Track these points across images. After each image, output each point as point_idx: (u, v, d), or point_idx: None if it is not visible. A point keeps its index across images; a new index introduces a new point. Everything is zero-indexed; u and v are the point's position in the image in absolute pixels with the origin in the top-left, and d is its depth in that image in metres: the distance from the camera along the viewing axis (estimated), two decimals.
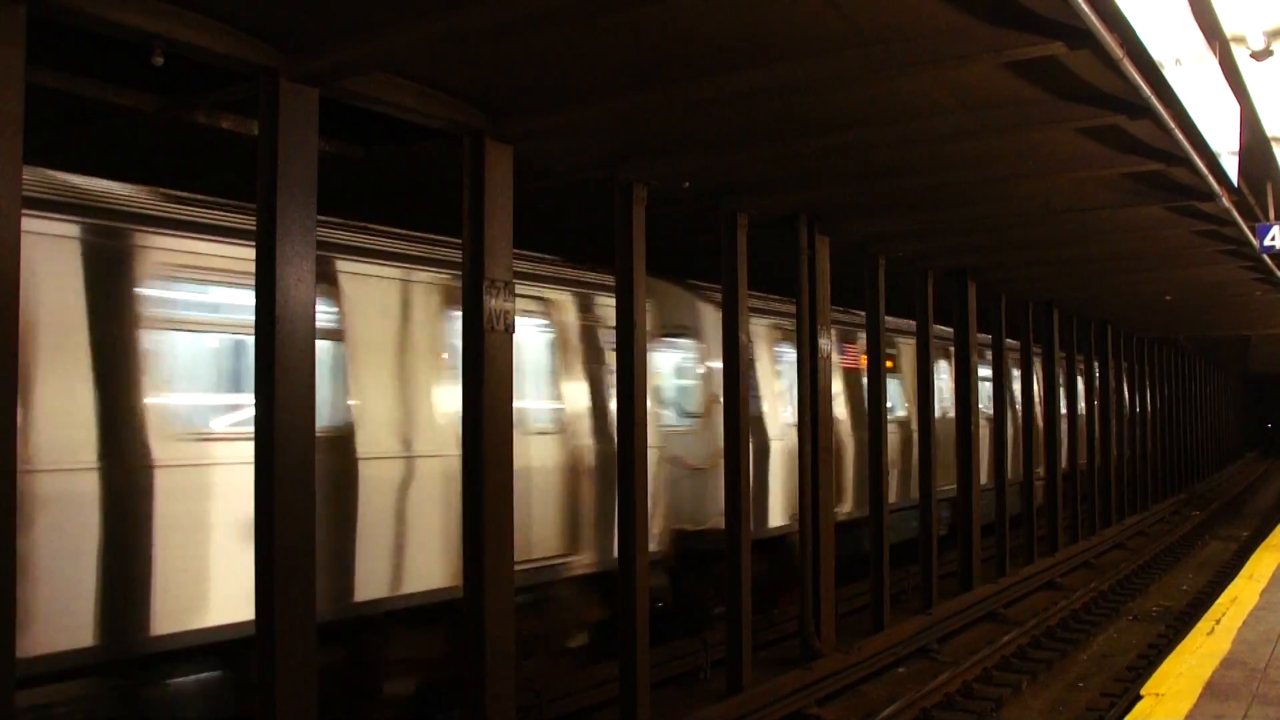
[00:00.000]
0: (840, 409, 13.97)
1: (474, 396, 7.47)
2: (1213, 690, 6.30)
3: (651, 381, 9.90)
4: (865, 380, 14.00)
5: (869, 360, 13.61)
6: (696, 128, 8.36)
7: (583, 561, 9.77)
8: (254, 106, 6.33)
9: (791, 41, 6.51)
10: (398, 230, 8.80)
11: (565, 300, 9.99)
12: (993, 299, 17.31)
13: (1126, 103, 7.25)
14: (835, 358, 13.00)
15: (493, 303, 7.44)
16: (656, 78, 7.05)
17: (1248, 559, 12.76)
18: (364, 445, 7.84)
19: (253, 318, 6.19)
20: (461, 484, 7.63)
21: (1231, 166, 8.24)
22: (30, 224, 5.34)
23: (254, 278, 6.18)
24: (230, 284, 7.11)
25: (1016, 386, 19.82)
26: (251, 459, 6.19)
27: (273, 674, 6.01)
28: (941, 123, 8.01)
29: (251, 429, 6.23)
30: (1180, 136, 7.64)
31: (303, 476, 6.19)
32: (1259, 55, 6.23)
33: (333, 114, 7.05)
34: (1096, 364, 23.58)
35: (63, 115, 7.79)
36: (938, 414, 15.60)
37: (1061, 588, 16.97)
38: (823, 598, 11.64)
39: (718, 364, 11.05)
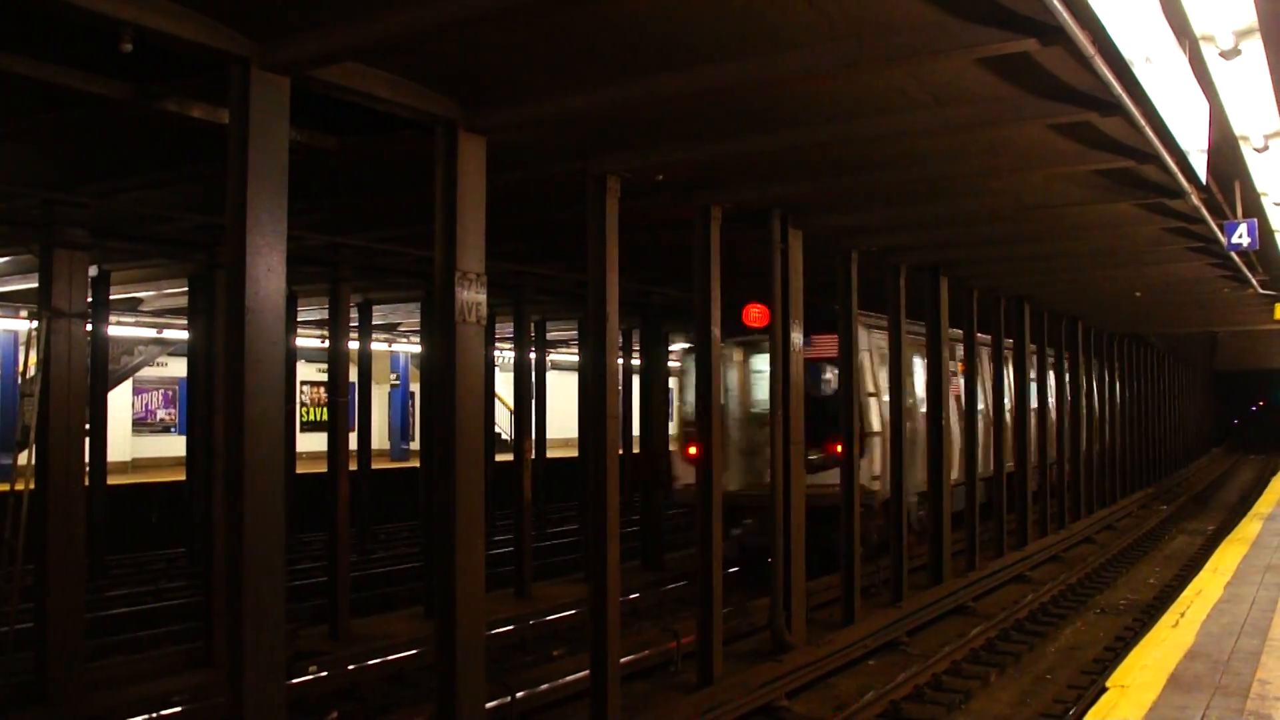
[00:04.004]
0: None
1: (446, 389, 7.45)
2: (1176, 682, 6.36)
3: None
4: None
5: (840, 354, 13.64)
6: (670, 121, 8.37)
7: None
8: (225, 95, 6.28)
9: (765, 35, 6.51)
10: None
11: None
12: (965, 294, 17.38)
13: (1097, 99, 7.29)
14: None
15: (464, 295, 7.41)
16: (630, 70, 7.05)
17: (1213, 553, 12.87)
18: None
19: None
20: (435, 476, 7.61)
21: (1200, 164, 8.27)
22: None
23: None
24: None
25: (988, 382, 19.98)
26: None
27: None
28: (914, 118, 8.03)
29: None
30: (1150, 134, 7.67)
31: (272, 466, 6.16)
32: (1228, 54, 6.26)
33: (307, 103, 7.01)
34: (1067, 359, 23.76)
35: (31, 101, 7.71)
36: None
37: (1031, 581, 17.09)
38: (793, 591, 11.70)
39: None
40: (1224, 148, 8.72)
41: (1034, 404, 21.27)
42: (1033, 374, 21.16)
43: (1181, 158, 8.22)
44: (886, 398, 15.43)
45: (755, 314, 13.24)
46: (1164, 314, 24.61)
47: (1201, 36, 6.26)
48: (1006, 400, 20.14)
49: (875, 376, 15.78)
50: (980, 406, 18.51)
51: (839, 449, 13.44)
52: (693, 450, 13.37)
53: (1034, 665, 12.26)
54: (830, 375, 15.71)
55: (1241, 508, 24.12)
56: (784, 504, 11.59)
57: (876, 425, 15.49)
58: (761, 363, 15.89)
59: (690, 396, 15.34)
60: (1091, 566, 18.42)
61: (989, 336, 19.24)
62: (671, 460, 17.48)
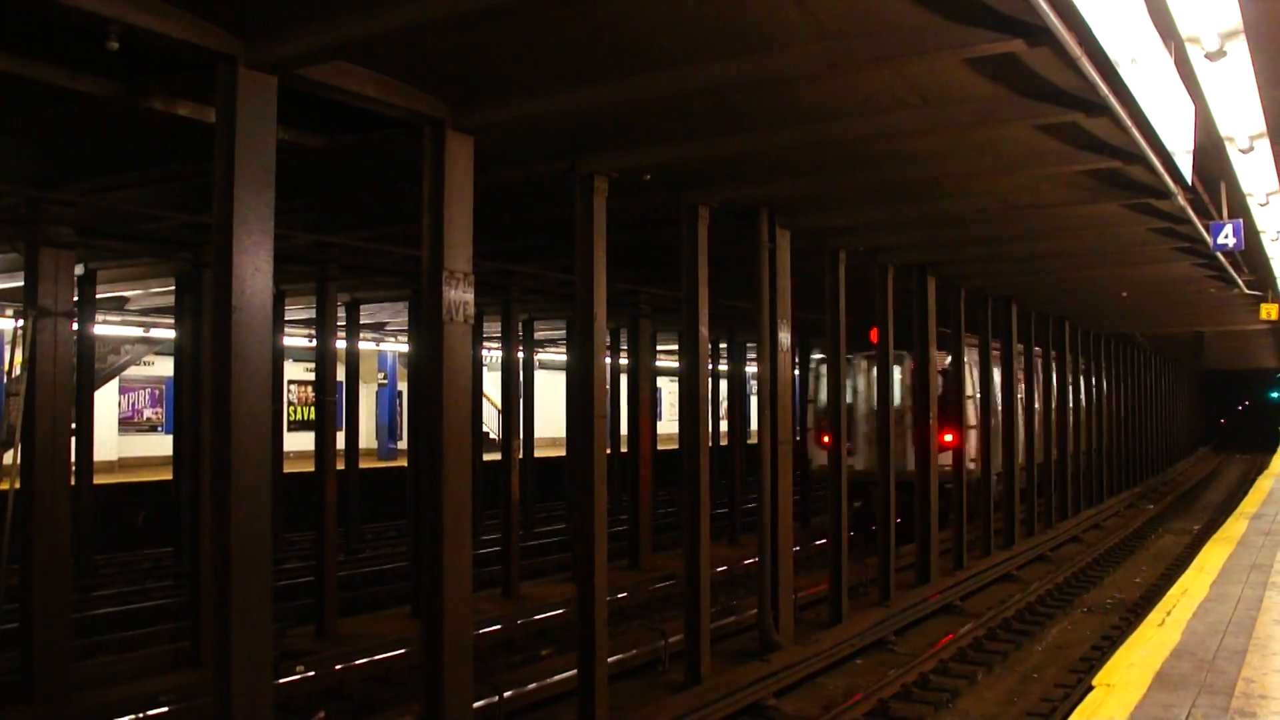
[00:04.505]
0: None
1: (434, 389, 7.44)
2: (1162, 680, 6.37)
3: None
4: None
5: (829, 355, 13.67)
6: (658, 121, 8.37)
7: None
8: (212, 93, 6.27)
9: (753, 35, 6.52)
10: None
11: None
12: (953, 294, 17.43)
13: (1084, 100, 7.32)
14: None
15: (452, 294, 7.41)
16: (617, 70, 7.05)
17: (1199, 552, 12.91)
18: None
19: None
20: (422, 475, 7.60)
21: (1186, 165, 8.29)
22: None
23: None
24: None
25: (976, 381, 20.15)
26: None
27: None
28: (903, 118, 8.04)
29: None
30: (1137, 134, 7.70)
31: (259, 465, 6.14)
32: (1213, 56, 6.28)
33: (294, 102, 7.00)
34: (1054, 359, 23.84)
35: (16, 99, 7.68)
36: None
37: (1018, 580, 17.15)
38: (781, 590, 11.71)
39: None
40: (1209, 149, 8.74)
41: (1021, 402, 21.50)
42: (1020, 373, 21.32)
43: (1167, 158, 8.24)
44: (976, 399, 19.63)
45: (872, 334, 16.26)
46: (1151, 314, 24.68)
47: (1187, 38, 6.27)
48: (994, 400, 20.46)
49: (973, 383, 19.63)
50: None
51: (946, 439, 17.85)
52: (825, 439, 17.28)
53: (1021, 664, 12.31)
54: (939, 382, 18.85)
55: (1227, 507, 24.20)
56: (771, 504, 11.60)
57: (973, 420, 19.28)
58: None
59: (824, 397, 20.98)
60: (1079, 565, 18.49)
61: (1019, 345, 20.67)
62: (809, 447, 22.03)
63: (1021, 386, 21.53)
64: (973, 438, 19.14)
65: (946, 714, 10.36)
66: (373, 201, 11.10)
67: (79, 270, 12.99)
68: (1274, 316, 18.64)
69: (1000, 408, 20.08)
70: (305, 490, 14.53)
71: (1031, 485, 21.89)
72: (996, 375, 19.96)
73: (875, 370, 16.88)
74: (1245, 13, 5.88)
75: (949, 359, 18.41)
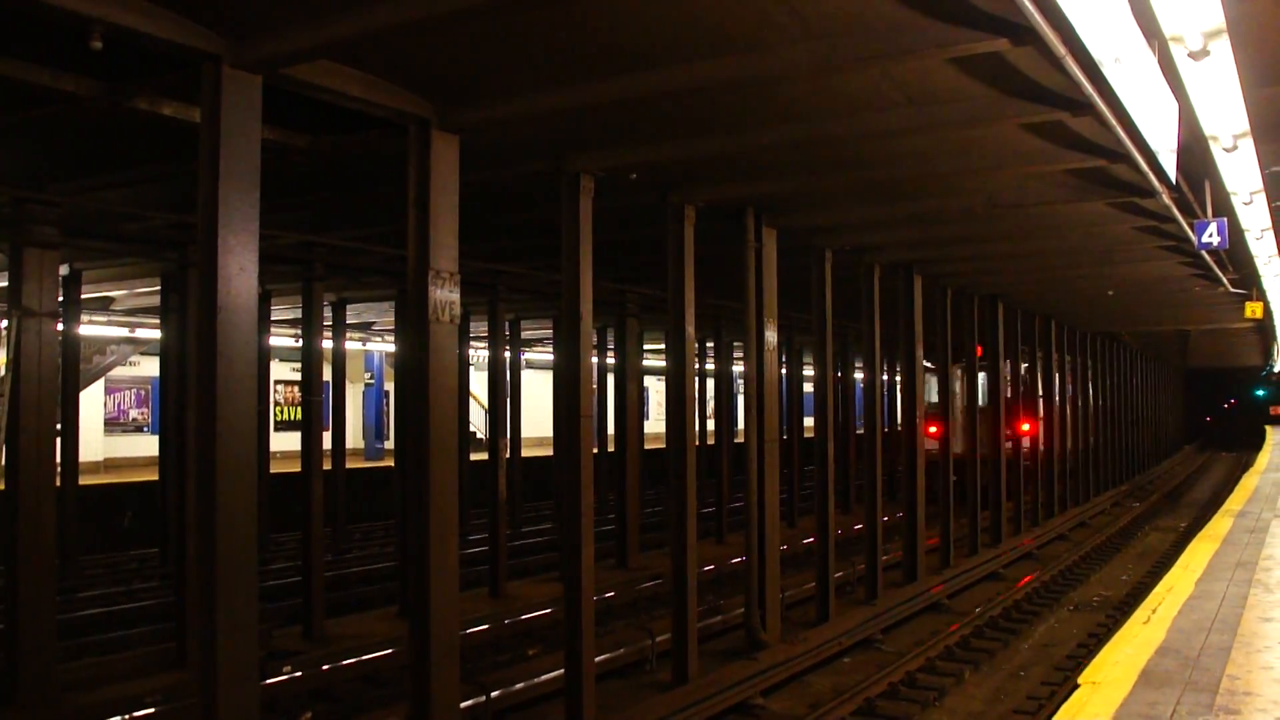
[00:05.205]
0: None
1: (420, 389, 7.43)
2: (1147, 678, 6.39)
3: None
4: None
5: (815, 358, 13.68)
6: (643, 120, 8.36)
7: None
8: (197, 93, 6.25)
9: (739, 35, 6.52)
10: None
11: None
12: (939, 292, 17.46)
13: (1069, 99, 7.35)
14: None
15: (438, 293, 7.40)
16: (603, 70, 7.04)
17: (1185, 550, 12.96)
18: None
19: None
20: (409, 475, 7.58)
21: (1170, 164, 8.32)
22: None
23: None
24: None
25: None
26: None
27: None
28: (888, 117, 8.05)
29: None
30: (1121, 133, 7.73)
31: (244, 465, 6.13)
32: (1197, 55, 6.30)
33: (279, 101, 6.98)
34: (1040, 358, 23.94)
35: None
36: None
37: (1004, 578, 17.19)
38: (768, 589, 11.72)
39: None
40: (1194, 148, 8.76)
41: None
42: (1007, 372, 21.48)
43: (1152, 157, 8.28)
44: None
45: (978, 350, 20.23)
46: (1136, 312, 24.78)
47: (1170, 37, 6.28)
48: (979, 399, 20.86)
49: (1041, 385, 24.68)
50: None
51: (1020, 428, 23.42)
52: (931, 430, 20.19)
53: (1008, 662, 12.34)
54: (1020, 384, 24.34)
55: (1213, 505, 24.29)
56: (758, 502, 11.60)
57: (1043, 414, 24.66)
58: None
59: (930, 397, 23.55)
60: (1065, 564, 18.54)
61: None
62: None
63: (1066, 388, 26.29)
64: (1042, 427, 24.38)
65: (934, 712, 10.39)
66: (358, 201, 11.07)
67: (64, 270, 12.94)
68: (1258, 315, 18.73)
69: (1057, 404, 25.26)
70: (292, 490, 14.50)
71: (1078, 464, 27.70)
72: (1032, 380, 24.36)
73: (967, 376, 20.52)
74: (1228, 12, 5.90)
75: (1025, 366, 23.76)
